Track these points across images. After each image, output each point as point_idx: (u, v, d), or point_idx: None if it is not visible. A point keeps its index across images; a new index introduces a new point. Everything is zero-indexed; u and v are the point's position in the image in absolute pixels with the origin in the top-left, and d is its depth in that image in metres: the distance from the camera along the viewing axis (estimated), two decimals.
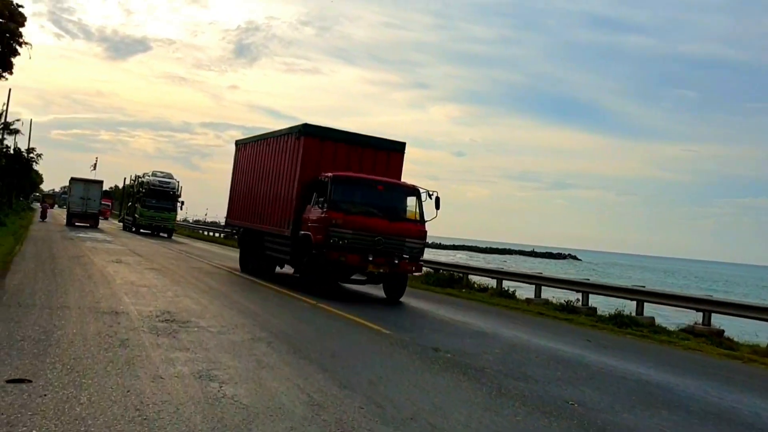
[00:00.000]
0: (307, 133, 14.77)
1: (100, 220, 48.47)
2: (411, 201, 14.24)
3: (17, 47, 26.01)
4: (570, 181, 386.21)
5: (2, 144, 39.07)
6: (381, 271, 13.20)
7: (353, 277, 13.93)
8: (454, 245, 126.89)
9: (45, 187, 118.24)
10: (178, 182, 40.42)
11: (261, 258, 16.91)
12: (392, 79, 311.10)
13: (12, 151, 40.39)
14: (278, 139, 16.43)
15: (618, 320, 14.40)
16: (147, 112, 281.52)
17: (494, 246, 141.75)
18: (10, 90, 52.81)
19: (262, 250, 16.70)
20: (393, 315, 12.22)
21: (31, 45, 27.26)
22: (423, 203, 14.07)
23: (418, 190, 14.17)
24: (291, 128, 15.71)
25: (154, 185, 38.53)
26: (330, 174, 13.68)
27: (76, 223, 39.47)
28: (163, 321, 8.79)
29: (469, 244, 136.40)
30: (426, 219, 14.11)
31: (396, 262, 13.16)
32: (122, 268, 15.95)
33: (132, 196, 43.08)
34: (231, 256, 26.03)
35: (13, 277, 12.21)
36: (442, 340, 9.55)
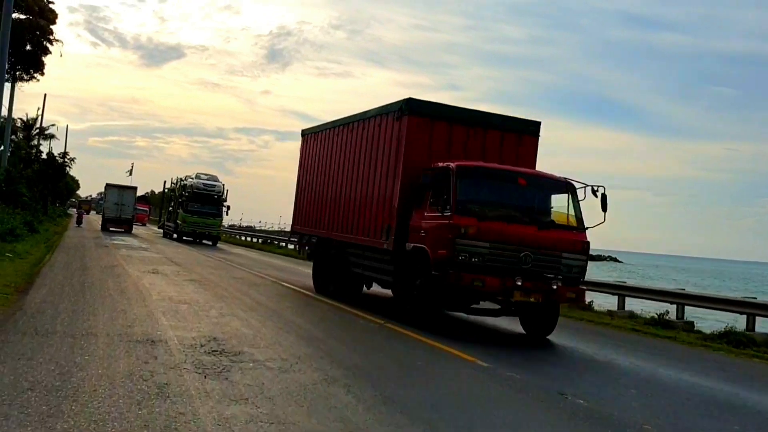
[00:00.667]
0: (413, 110, 11.11)
1: (137, 227, 48.47)
2: (557, 200, 10.53)
3: (48, 45, 24.85)
4: (607, 182, 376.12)
5: (36, 149, 38.32)
6: (532, 299, 9.51)
7: (480, 305, 10.44)
8: None
9: (82, 193, 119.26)
10: (223, 185, 37.23)
11: (344, 276, 13.25)
12: (424, 81, 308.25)
13: (45, 156, 39.63)
14: (367, 122, 12.79)
15: (731, 338, 12.25)
16: (181, 118, 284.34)
17: None
18: (45, 95, 52.71)
19: (346, 267, 13.10)
20: (484, 338, 10.31)
21: (62, 43, 26.15)
22: (580, 202, 10.38)
23: (573, 185, 10.47)
24: (387, 107, 12.05)
25: (198, 188, 35.31)
26: (453, 165, 10.00)
27: (111, 228, 39.57)
28: (209, 353, 7.04)
29: None
30: (587, 224, 10.24)
31: (553, 286, 9.47)
32: (159, 279, 14.36)
33: (173, 201, 39.71)
34: (273, 263, 24.43)
35: (36, 293, 10.66)
36: (558, 375, 7.61)
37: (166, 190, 46.55)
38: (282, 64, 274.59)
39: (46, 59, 25.60)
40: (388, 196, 11.34)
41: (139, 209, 60.38)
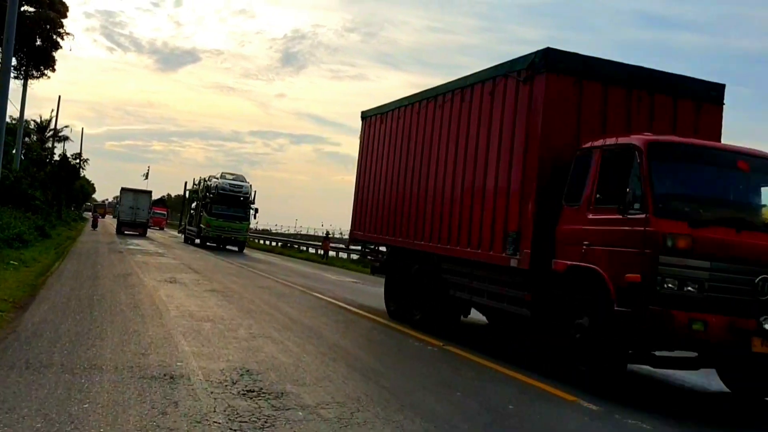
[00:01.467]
0: (553, 66, 7.79)
1: (154, 231, 47.91)
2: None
3: (59, 39, 23.55)
4: None
5: (49, 151, 37.16)
6: None
7: (667, 353, 6.72)
8: None
9: (99, 197, 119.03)
10: (250, 185, 34.28)
11: (437, 301, 9.90)
12: (438, 83, 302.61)
13: (57, 157, 38.38)
14: (468, 91, 9.48)
15: None
16: (197, 122, 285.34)
17: None
18: (59, 97, 51.54)
19: (440, 289, 9.78)
20: (568, 365, 8.65)
21: (73, 36, 24.78)
22: None
23: None
24: (502, 66, 8.77)
25: (223, 189, 32.39)
26: (641, 140, 6.69)
27: (126, 232, 39.64)
28: (244, 394, 5.48)
29: None
30: None
31: None
32: (177, 290, 12.86)
33: (196, 203, 36.53)
34: (297, 269, 22.91)
35: (37, 309, 9.19)
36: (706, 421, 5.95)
37: (187, 192, 43.71)
38: (296, 67, 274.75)
39: (58, 55, 24.36)
40: (513, 191, 8.08)
41: (156, 213, 58.59)
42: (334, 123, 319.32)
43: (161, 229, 60.63)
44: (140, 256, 21.59)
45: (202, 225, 32.72)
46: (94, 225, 45.64)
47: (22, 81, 27.29)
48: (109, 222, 62.59)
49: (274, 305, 11.86)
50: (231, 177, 34.02)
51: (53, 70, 25.44)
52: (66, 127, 40.86)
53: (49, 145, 41.56)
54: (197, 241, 33.89)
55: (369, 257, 13.85)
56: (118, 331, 7.95)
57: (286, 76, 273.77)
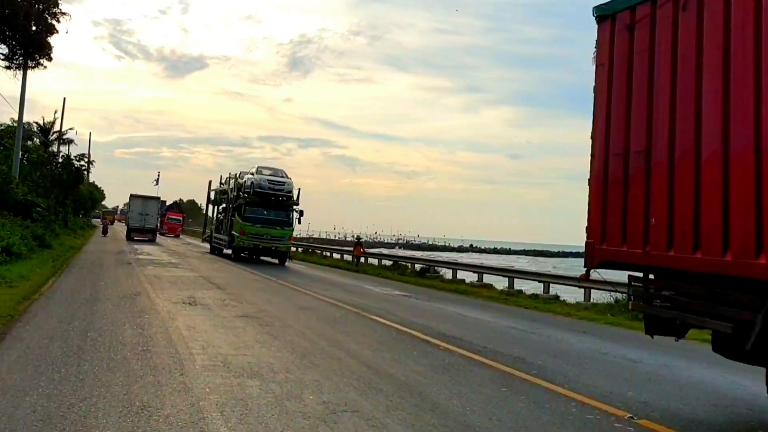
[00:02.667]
0: None
1: (170, 239, 45.22)
2: None
3: (54, 23, 20.56)
4: None
5: (50, 154, 34.16)
6: None
7: None
8: (493, 248, 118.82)
9: (110, 204, 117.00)
10: (293, 182, 27.38)
11: None
12: (445, 85, 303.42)
13: (60, 159, 35.25)
14: None
15: None
16: (206, 128, 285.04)
17: (562, 249, 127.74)
18: (64, 99, 49.15)
19: None
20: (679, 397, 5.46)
21: (69, 16, 21.79)
22: None
23: None
24: None
25: (261, 188, 25.65)
26: None
27: (135, 237, 39.77)
28: None
29: (529, 248, 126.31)
30: None
31: None
32: (200, 317, 9.78)
33: (225, 206, 29.85)
34: (331, 279, 19.77)
35: (2, 358, 6.17)
36: None
37: (212, 193, 33.91)
38: (303, 72, 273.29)
39: (53, 41, 21.44)
40: None
41: (171, 219, 55.35)
42: (341, 126, 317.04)
43: (177, 236, 54.96)
44: (151, 268, 18.57)
45: (234, 232, 26.00)
46: (105, 232, 45.67)
47: (21, 72, 24.34)
48: (120, 229, 60.35)
49: (332, 339, 8.72)
50: (269, 172, 26.92)
51: (49, 59, 22.46)
52: (71, 129, 38.00)
53: (54, 148, 38.64)
54: (227, 251, 27.52)
55: (656, 301, 6.20)
56: (115, 409, 4.86)
57: (293, 80, 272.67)
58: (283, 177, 26.98)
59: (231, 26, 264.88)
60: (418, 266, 26.64)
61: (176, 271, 18.30)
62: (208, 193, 34.17)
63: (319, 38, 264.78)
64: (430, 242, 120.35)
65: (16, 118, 29.73)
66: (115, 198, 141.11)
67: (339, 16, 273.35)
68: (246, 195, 25.74)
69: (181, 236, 55.88)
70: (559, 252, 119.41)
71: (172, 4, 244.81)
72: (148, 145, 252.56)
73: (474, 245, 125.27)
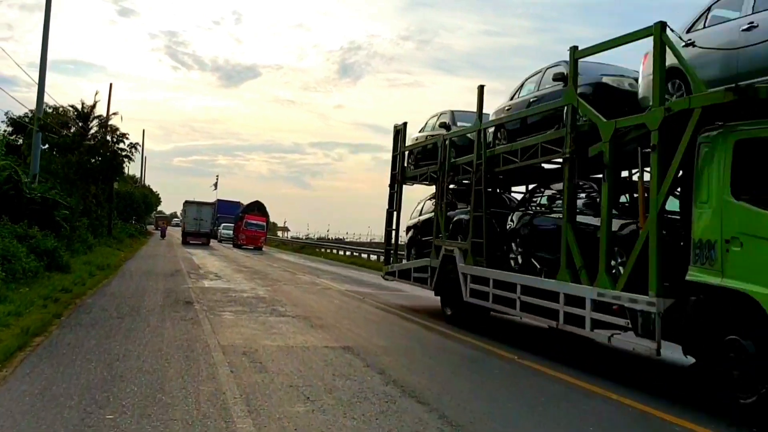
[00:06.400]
0: None
1: (247, 252, 35.19)
2: None
3: None
4: None
5: (80, 134, 25.33)
6: None
7: None
8: None
9: (167, 210, 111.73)
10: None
11: None
12: (494, 86, 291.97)
13: (92, 141, 26.16)
14: None
15: None
16: (260, 135, 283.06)
17: None
18: (111, 84, 41.76)
19: None
20: None
21: None
22: None
23: None
24: None
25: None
26: None
27: (191, 241, 39.92)
28: None
29: None
30: None
31: None
32: None
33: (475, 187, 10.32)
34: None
35: None
36: None
37: (407, 156, 13.65)
38: (353, 78, 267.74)
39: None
40: None
41: (251, 224, 40.81)
42: (391, 131, 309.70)
43: (258, 248, 39.47)
44: (230, 316, 9.85)
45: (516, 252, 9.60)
46: (163, 235, 51.32)
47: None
48: (172, 232, 59.28)
49: None
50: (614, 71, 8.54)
51: None
52: (115, 114, 29.66)
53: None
54: (477, 302, 9.85)
55: None
56: None
57: (343, 87, 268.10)
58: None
59: (282, 35, 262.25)
60: None
61: (286, 324, 9.44)
62: (398, 157, 13.56)
63: (368, 44, 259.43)
64: None
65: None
66: (171, 204, 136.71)
67: (388, 21, 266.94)
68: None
69: (263, 248, 40.69)
70: None
71: (225, 15, 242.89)
72: (204, 153, 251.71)
73: None
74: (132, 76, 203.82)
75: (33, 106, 21.34)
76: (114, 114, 30.09)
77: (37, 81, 21.04)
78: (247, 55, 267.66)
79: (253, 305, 11.30)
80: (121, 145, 26.63)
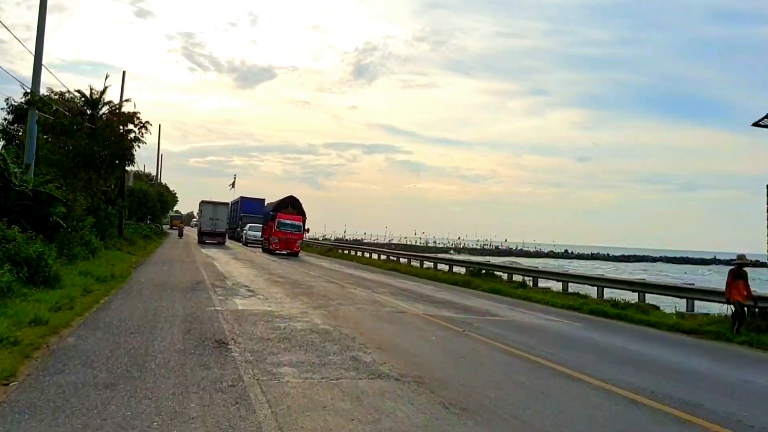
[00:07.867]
0: None
1: (284, 256, 30.30)
2: None
3: None
4: (701, 182, 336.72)
5: (78, 113, 21.39)
6: None
7: None
8: (591, 254, 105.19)
9: (183, 209, 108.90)
10: None
11: None
12: (509, 88, 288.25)
13: (89, 124, 21.42)
14: None
15: None
16: (275, 136, 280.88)
17: (628, 253, 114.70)
18: (124, 73, 38.27)
19: None
20: None
21: None
22: None
23: None
24: None
25: None
26: None
27: (207, 241, 40.66)
28: None
29: (601, 252, 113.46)
30: None
31: None
32: None
33: None
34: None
35: None
36: None
37: None
38: (368, 79, 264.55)
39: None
40: None
41: (285, 224, 33.71)
42: (405, 132, 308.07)
43: (294, 253, 33.38)
44: (293, 380, 6.15)
45: None
46: (180, 234, 53.84)
47: None
48: (191, 234, 58.04)
49: None
50: None
51: None
52: (127, 101, 25.98)
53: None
54: None
55: None
56: None
57: (358, 88, 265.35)
58: None
59: (298, 36, 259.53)
60: None
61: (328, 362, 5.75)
62: None
63: (383, 45, 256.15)
64: (519, 248, 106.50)
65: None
66: (188, 204, 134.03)
67: (403, 23, 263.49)
68: None
69: (299, 253, 34.31)
70: (661, 257, 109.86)
71: (241, 16, 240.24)
72: (220, 154, 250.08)
73: (568, 251, 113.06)
74: (149, 77, 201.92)
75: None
76: (126, 101, 26.49)
77: (37, 80, 17.48)
78: (263, 56, 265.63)
79: (320, 349, 7.44)
80: (130, 126, 22.37)
